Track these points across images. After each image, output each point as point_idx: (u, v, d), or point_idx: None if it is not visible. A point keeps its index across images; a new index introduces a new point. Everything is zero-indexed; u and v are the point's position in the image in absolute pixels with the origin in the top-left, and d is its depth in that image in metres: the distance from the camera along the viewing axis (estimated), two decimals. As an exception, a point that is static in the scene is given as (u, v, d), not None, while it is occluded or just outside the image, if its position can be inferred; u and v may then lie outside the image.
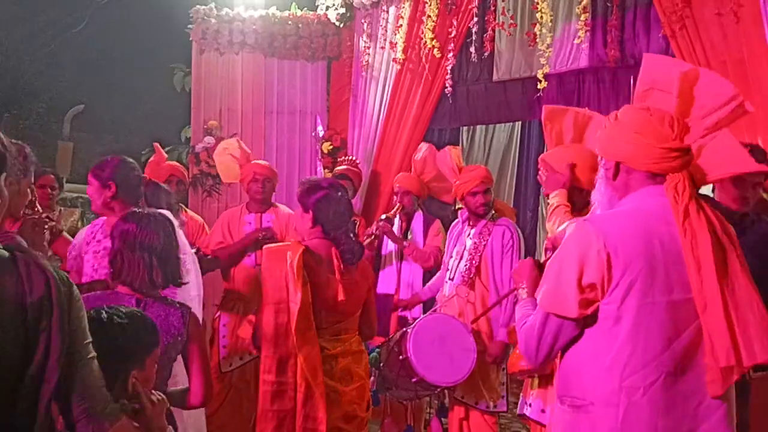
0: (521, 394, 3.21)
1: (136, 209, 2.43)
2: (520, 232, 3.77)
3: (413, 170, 4.60)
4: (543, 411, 3.05)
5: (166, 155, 4.67)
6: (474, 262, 3.68)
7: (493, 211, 3.79)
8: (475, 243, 3.71)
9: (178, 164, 4.66)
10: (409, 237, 4.50)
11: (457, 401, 3.68)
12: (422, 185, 4.54)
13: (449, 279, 3.80)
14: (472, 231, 3.78)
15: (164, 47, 8.19)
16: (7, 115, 11.01)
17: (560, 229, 2.49)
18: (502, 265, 3.66)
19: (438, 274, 4.09)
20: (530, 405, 3.10)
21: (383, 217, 4.42)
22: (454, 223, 4.05)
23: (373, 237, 4.37)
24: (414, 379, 3.30)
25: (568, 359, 1.93)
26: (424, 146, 4.64)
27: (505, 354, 3.60)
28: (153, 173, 4.42)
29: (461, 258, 3.76)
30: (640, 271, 1.78)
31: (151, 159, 4.63)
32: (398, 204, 4.46)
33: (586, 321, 1.85)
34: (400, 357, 3.33)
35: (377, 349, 3.51)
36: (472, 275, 3.68)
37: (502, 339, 3.58)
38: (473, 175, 3.72)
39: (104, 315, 1.75)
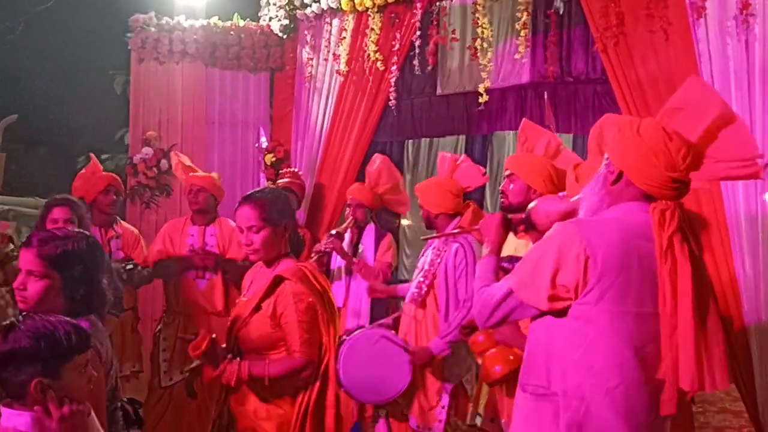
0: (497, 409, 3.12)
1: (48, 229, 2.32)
2: (474, 251, 3.51)
3: (367, 182, 4.59)
4: (492, 420, 3.10)
5: (101, 166, 4.53)
6: (427, 279, 3.50)
7: (457, 226, 3.51)
8: (431, 260, 3.54)
9: (114, 174, 4.53)
10: (360, 250, 4.48)
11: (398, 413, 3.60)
12: (376, 197, 4.54)
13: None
14: (435, 245, 3.61)
15: (102, 55, 7.98)
16: (-67, 125, 10.52)
17: (533, 204, 2.50)
18: (456, 286, 3.42)
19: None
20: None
21: (333, 232, 4.39)
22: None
23: (321, 253, 4.34)
24: (342, 389, 3.27)
25: (535, 347, 2.00)
26: (378, 158, 4.67)
27: (425, 362, 3.43)
28: (87, 183, 4.29)
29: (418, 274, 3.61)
30: (616, 279, 1.84)
31: (85, 169, 4.48)
32: (350, 218, 4.44)
33: (555, 312, 1.90)
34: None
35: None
36: (422, 293, 3.51)
37: (431, 347, 3.41)
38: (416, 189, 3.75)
39: (7, 324, 1.73)
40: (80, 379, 1.76)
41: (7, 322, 1.72)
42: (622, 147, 1.94)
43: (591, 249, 1.83)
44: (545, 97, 4.20)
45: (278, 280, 2.48)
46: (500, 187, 3.19)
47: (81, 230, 2.31)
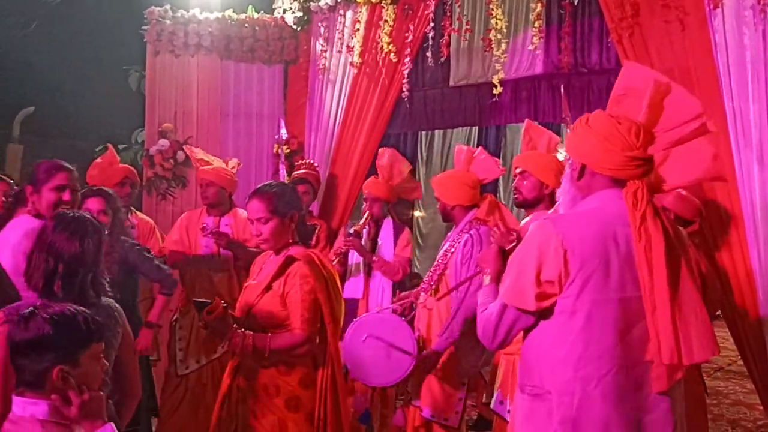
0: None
1: (66, 211, 2.36)
2: (483, 243, 3.45)
3: (381, 176, 4.61)
4: (501, 403, 3.13)
5: (118, 157, 4.59)
6: (438, 269, 3.55)
7: (473, 218, 3.52)
8: (445, 250, 3.58)
9: (130, 167, 4.59)
10: (378, 244, 4.51)
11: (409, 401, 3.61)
12: (391, 190, 4.56)
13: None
14: (451, 237, 3.63)
15: (118, 48, 8.03)
16: (-48, 117, 10.66)
17: (524, 222, 2.57)
18: (459, 277, 3.40)
19: None
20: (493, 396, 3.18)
21: (351, 231, 4.41)
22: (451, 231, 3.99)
23: (341, 255, 4.37)
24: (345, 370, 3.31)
25: (528, 349, 2.04)
26: (386, 151, 4.69)
27: (431, 364, 3.40)
28: (103, 174, 4.35)
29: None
30: (595, 268, 1.89)
31: (101, 159, 4.53)
32: (367, 213, 4.46)
33: (544, 313, 1.96)
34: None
35: None
36: (433, 282, 3.55)
37: (436, 347, 3.41)
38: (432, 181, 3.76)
39: (27, 311, 1.72)
40: (96, 367, 1.77)
41: (27, 310, 1.72)
42: (578, 141, 2.02)
43: (568, 241, 1.89)
44: (561, 89, 4.19)
45: (289, 261, 2.65)
46: (513, 185, 3.24)
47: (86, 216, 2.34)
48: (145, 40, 6.00)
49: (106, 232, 2.73)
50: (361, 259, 4.50)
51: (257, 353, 2.58)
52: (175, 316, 4.33)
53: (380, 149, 4.82)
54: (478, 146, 7.82)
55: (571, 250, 1.88)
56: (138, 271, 3.83)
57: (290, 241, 2.70)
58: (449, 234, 3.73)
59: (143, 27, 6.00)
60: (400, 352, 3.28)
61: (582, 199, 2.02)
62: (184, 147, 4.85)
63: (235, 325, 2.58)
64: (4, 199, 3.64)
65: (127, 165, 4.71)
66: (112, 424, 1.74)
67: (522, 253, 1.99)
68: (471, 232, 3.47)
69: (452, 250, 3.51)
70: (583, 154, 2.00)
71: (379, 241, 4.52)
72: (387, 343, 3.29)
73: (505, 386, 3.17)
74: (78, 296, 2.18)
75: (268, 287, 2.64)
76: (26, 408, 1.69)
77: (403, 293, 3.93)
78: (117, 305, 2.29)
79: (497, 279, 2.22)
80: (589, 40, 4.50)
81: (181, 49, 5.99)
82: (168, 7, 5.98)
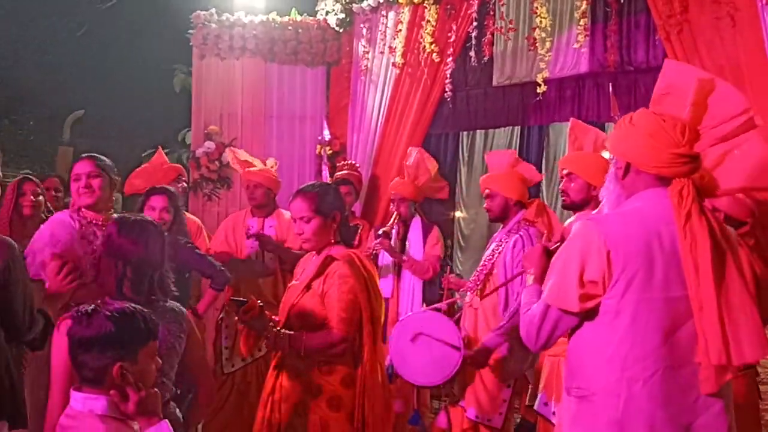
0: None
1: (127, 215, 2.43)
2: (534, 244, 3.43)
3: (407, 176, 4.62)
4: (546, 404, 3.09)
5: (166, 158, 4.69)
6: (485, 269, 3.52)
7: (521, 218, 3.50)
8: (492, 250, 3.55)
9: (180, 166, 4.71)
10: (407, 244, 4.52)
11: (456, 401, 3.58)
12: (418, 190, 4.57)
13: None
14: (498, 237, 3.61)
15: (165, 51, 8.21)
16: (6, 121, 11.03)
17: (568, 222, 2.54)
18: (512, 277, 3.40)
19: None
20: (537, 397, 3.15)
21: (380, 231, 4.43)
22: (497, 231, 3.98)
23: (372, 255, 4.39)
24: (391, 369, 3.29)
25: (573, 351, 2.03)
26: (413, 150, 4.71)
27: (479, 358, 3.36)
28: (151, 179, 4.44)
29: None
30: (639, 268, 1.86)
31: (149, 163, 4.63)
32: (395, 213, 4.48)
33: (588, 314, 1.94)
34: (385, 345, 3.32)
35: None
36: (481, 282, 3.52)
37: (487, 343, 3.36)
38: (481, 179, 3.73)
39: (89, 309, 1.76)
40: (152, 364, 1.81)
41: (90, 308, 1.76)
42: (622, 139, 2.00)
43: (611, 241, 1.87)
44: (610, 87, 4.13)
45: (328, 261, 2.66)
46: (560, 187, 3.20)
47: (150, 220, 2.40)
48: (191, 44, 6.12)
49: (167, 230, 2.82)
50: (390, 260, 4.52)
51: (293, 351, 2.60)
52: (220, 315, 4.40)
53: (409, 148, 4.83)
54: (520, 147, 7.79)
55: (615, 250, 1.87)
56: (192, 267, 3.93)
57: (332, 241, 2.72)
58: (495, 234, 3.71)
59: (189, 31, 6.11)
60: (447, 350, 3.27)
61: (626, 198, 2.00)
62: (228, 149, 4.93)
63: (271, 324, 2.61)
64: (33, 198, 3.76)
65: (177, 164, 4.81)
66: (167, 421, 1.78)
67: (565, 254, 1.98)
68: (520, 232, 3.44)
69: (499, 250, 3.49)
70: (628, 152, 1.98)
71: (408, 241, 4.53)
72: (434, 342, 3.28)
73: (549, 388, 3.14)
74: (147, 297, 2.23)
75: (308, 287, 2.67)
76: (86, 403, 1.74)
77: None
78: (183, 309, 2.32)
79: (541, 279, 2.20)
80: (635, 38, 4.43)
81: (226, 52, 6.09)
82: (213, 10, 6.09)
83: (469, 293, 3.60)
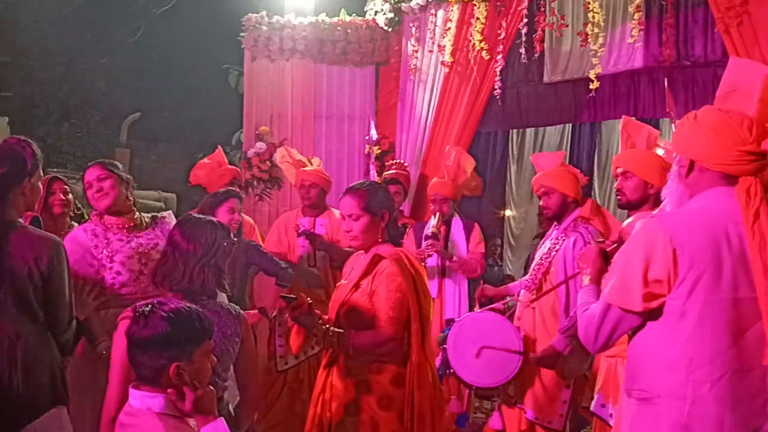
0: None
1: (191, 214, 2.48)
2: (595, 242, 3.40)
3: (446, 176, 4.61)
4: (603, 406, 3.04)
5: (226, 159, 4.80)
6: (542, 268, 3.48)
7: (578, 216, 3.48)
8: (549, 249, 3.51)
9: (237, 168, 4.82)
10: (452, 244, 4.51)
11: (512, 403, 3.52)
12: (458, 189, 4.57)
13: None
14: (553, 235, 3.57)
15: (217, 54, 8.37)
16: (66, 124, 11.42)
17: (626, 223, 2.50)
18: (577, 277, 3.32)
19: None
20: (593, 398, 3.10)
21: (430, 233, 4.41)
22: (551, 229, 3.88)
23: (424, 259, 4.38)
24: (450, 370, 3.28)
25: (634, 352, 1.97)
26: (452, 150, 4.70)
27: (552, 361, 3.32)
28: (212, 174, 4.54)
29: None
30: (706, 267, 1.81)
31: (209, 160, 4.72)
32: (438, 214, 4.46)
33: (651, 315, 1.89)
34: (443, 346, 3.31)
35: (447, 330, 3.45)
36: (538, 281, 3.49)
37: (555, 345, 3.33)
38: (534, 179, 3.70)
39: (146, 309, 1.79)
40: (207, 363, 1.84)
41: (146, 308, 1.80)
42: (686, 137, 1.96)
43: (677, 240, 1.82)
44: (665, 83, 4.02)
45: (377, 260, 2.66)
46: (615, 186, 3.14)
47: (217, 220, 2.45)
48: (242, 46, 6.22)
49: (233, 233, 2.90)
50: (435, 264, 4.50)
51: (342, 350, 2.61)
52: (274, 314, 4.46)
53: (447, 147, 4.81)
54: (571, 144, 7.67)
55: (681, 249, 1.82)
56: (258, 265, 4.02)
57: (380, 239, 2.71)
58: (549, 232, 3.66)
59: (241, 34, 6.21)
60: (506, 351, 3.25)
61: (690, 197, 1.95)
62: (284, 147, 5.00)
63: (320, 322, 2.61)
64: (63, 197, 3.86)
65: (234, 167, 4.91)
66: (223, 419, 1.81)
67: (627, 252, 1.93)
68: (579, 230, 3.40)
69: (556, 248, 3.44)
70: (692, 149, 1.93)
71: (453, 241, 4.51)
72: (493, 343, 3.26)
73: (606, 389, 3.08)
74: (199, 294, 2.26)
75: (357, 286, 2.67)
76: (144, 401, 1.78)
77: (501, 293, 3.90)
78: (239, 311, 2.33)
79: (597, 280, 2.16)
80: (692, 31, 4.31)
81: (276, 53, 6.17)
82: (264, 13, 6.18)
83: (523, 291, 3.56)
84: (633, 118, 3.30)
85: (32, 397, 2.40)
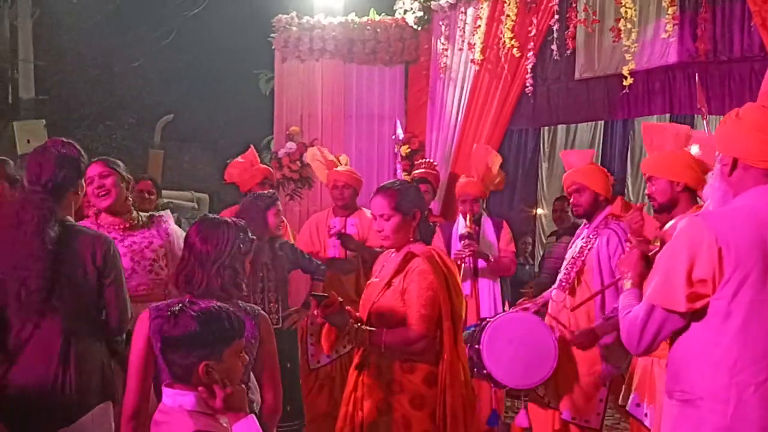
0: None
1: (208, 215, 2.50)
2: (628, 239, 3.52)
3: (476, 175, 4.59)
4: (638, 405, 3.00)
5: (258, 158, 4.84)
6: (575, 267, 3.47)
7: (608, 214, 3.50)
8: (581, 247, 3.50)
9: (269, 168, 4.86)
10: (481, 244, 4.50)
11: (544, 403, 3.51)
12: (486, 187, 4.57)
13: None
14: (584, 233, 3.57)
15: (248, 56, 8.46)
16: (101, 126, 11.64)
17: (668, 226, 2.46)
18: (614, 273, 3.33)
19: None
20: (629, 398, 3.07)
21: (465, 233, 4.39)
22: (580, 227, 3.88)
23: (462, 260, 4.37)
24: (484, 371, 3.26)
25: (677, 353, 1.94)
26: (481, 148, 4.69)
27: (588, 342, 3.29)
28: (245, 174, 4.58)
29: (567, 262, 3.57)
30: (753, 267, 1.78)
31: (242, 159, 4.76)
32: (469, 215, 4.44)
33: (694, 315, 1.85)
34: (476, 346, 3.29)
35: (472, 327, 3.44)
36: (571, 280, 3.47)
37: (595, 328, 3.29)
38: (565, 177, 3.67)
39: (177, 308, 1.81)
40: (238, 362, 1.85)
41: (177, 307, 1.82)
42: (728, 134, 1.92)
43: (722, 238, 1.78)
44: (696, 78, 3.95)
45: (409, 257, 2.65)
46: (646, 193, 3.12)
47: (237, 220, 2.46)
48: (273, 47, 6.26)
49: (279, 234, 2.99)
50: (468, 261, 4.48)
51: (373, 348, 2.61)
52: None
53: (474, 146, 4.78)
54: (603, 141, 7.57)
55: (726, 248, 1.78)
56: (294, 264, 4.07)
57: (411, 239, 2.70)
58: (579, 230, 3.63)
59: (271, 35, 6.26)
60: (542, 351, 3.23)
61: (734, 196, 1.91)
62: (316, 147, 5.03)
63: (351, 320, 2.62)
64: (147, 195, 3.90)
65: (266, 166, 4.95)
66: (254, 416, 1.82)
67: (671, 251, 1.89)
68: (612, 228, 3.38)
69: (589, 246, 3.41)
70: (735, 147, 1.90)
71: (486, 240, 4.49)
72: (528, 343, 3.23)
73: (642, 388, 3.04)
74: (218, 297, 2.24)
75: (389, 284, 2.67)
76: (176, 399, 1.80)
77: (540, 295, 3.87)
78: (258, 311, 2.33)
79: (639, 284, 2.12)
80: (728, 26, 4.22)
81: (306, 54, 6.20)
82: (294, 14, 6.21)
83: (557, 291, 3.53)
84: (653, 122, 3.24)
85: (83, 394, 2.48)
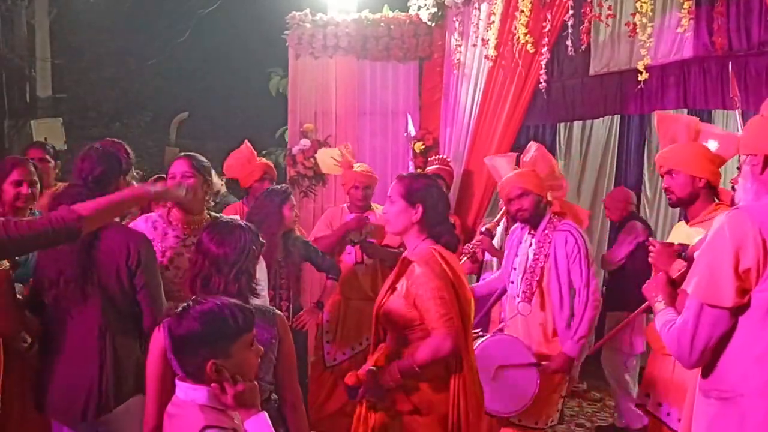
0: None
1: (220, 218, 2.51)
2: (583, 235, 3.51)
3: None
4: (659, 405, 3.03)
5: (255, 152, 4.82)
6: (535, 276, 3.46)
7: (551, 216, 3.55)
8: (535, 254, 3.48)
9: (268, 162, 4.82)
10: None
11: (512, 423, 3.48)
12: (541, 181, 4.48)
13: (515, 296, 3.57)
14: (533, 240, 3.56)
15: (262, 53, 8.48)
16: (118, 124, 11.72)
17: (697, 240, 2.41)
18: (570, 274, 3.41)
19: (499, 272, 3.94)
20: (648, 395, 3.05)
21: (483, 229, 4.37)
22: (512, 228, 3.87)
23: (471, 254, 4.36)
24: None
25: (714, 350, 1.88)
26: (533, 145, 4.54)
27: (567, 369, 3.38)
28: (244, 170, 4.57)
29: (523, 272, 3.54)
30: None
31: (238, 152, 4.74)
32: (503, 210, 4.38)
33: (737, 311, 1.81)
34: None
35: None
36: (533, 290, 3.47)
37: (567, 352, 3.37)
38: (504, 183, 3.66)
39: (182, 308, 1.83)
40: (249, 355, 1.86)
41: (183, 306, 1.84)
42: (755, 133, 1.90)
43: (766, 230, 1.74)
44: (729, 67, 3.85)
45: (406, 262, 2.66)
46: (663, 186, 3.06)
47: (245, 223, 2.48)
48: (287, 44, 6.27)
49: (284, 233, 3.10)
50: (487, 257, 4.48)
51: (409, 376, 2.54)
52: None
53: (530, 142, 4.68)
54: (619, 136, 7.50)
55: None
56: (309, 261, 4.09)
57: (418, 234, 2.65)
58: (521, 236, 3.67)
59: (285, 32, 6.27)
60: (523, 368, 3.23)
61: (767, 193, 1.87)
62: (343, 146, 5.04)
63: (382, 377, 2.58)
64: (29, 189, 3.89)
65: (264, 160, 4.92)
66: (266, 413, 1.83)
67: (713, 246, 1.83)
68: (565, 228, 3.46)
69: (544, 252, 3.44)
70: (763, 145, 1.87)
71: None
72: (511, 369, 3.23)
73: (663, 388, 3.01)
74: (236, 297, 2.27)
75: (392, 288, 2.68)
76: (188, 393, 1.82)
77: None
78: (274, 311, 2.35)
79: (672, 303, 2.07)
80: (746, 19, 4.16)
81: (320, 51, 6.21)
82: (308, 11, 6.22)
83: (522, 303, 3.50)
84: (667, 113, 3.21)
85: (119, 385, 2.60)
